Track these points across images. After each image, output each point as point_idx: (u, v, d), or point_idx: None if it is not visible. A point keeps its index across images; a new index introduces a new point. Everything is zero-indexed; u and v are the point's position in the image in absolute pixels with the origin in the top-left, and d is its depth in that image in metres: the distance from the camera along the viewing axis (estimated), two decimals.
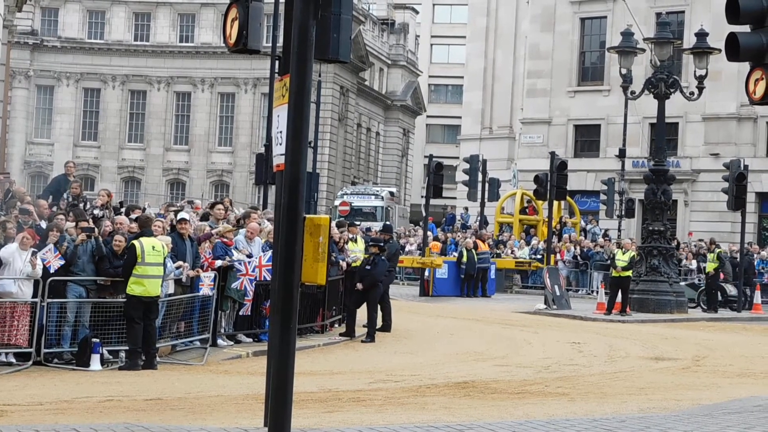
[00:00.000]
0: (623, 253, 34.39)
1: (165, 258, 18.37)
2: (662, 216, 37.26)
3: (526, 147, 65.43)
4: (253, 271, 21.11)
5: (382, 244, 25.63)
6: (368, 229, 45.54)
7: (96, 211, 23.16)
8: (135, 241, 18.19)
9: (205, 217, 24.13)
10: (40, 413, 13.33)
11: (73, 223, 19.36)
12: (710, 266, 40.92)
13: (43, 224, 19.98)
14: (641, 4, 59.21)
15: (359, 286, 24.27)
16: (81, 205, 23.72)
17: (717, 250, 41.83)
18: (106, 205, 24.05)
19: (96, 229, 19.20)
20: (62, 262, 18.17)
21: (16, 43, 61.80)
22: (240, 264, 21.01)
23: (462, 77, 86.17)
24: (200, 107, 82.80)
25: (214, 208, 23.54)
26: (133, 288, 17.95)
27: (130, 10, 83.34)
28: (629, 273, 34.50)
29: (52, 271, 17.94)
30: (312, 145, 44.47)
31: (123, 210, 24.61)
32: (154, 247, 18.11)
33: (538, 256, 46.84)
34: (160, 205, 30.20)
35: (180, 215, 21.36)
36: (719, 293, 40.21)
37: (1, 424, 12.04)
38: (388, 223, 44.96)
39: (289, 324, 10.39)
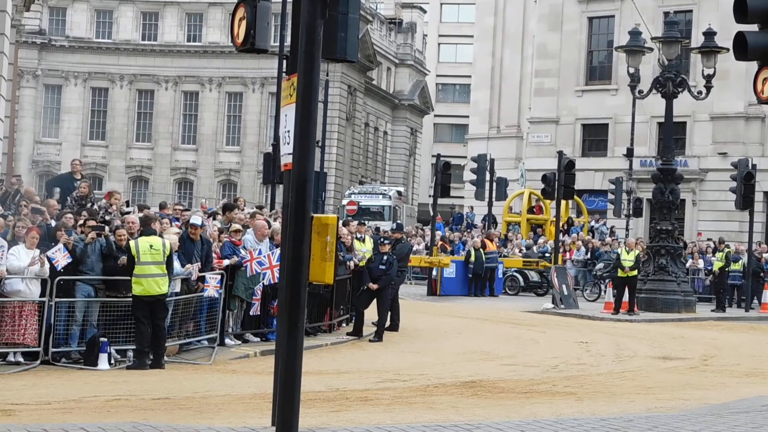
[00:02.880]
0: (628, 253, 34.39)
1: (168, 257, 18.30)
2: (670, 215, 37.23)
3: (533, 146, 65.41)
4: (259, 254, 21.05)
5: (392, 242, 25.60)
6: (377, 229, 45.52)
7: (108, 210, 23.16)
8: (131, 241, 18.24)
9: (211, 216, 24.12)
10: (48, 412, 13.34)
11: (82, 222, 19.38)
12: (717, 265, 40.86)
13: (53, 224, 20.01)
14: (649, 3, 59.12)
15: (372, 286, 24.13)
16: (89, 205, 23.74)
17: (726, 250, 41.78)
18: (116, 207, 24.04)
19: (106, 228, 19.23)
20: (70, 260, 18.19)
21: (24, 42, 61.86)
22: (246, 253, 20.98)
23: (469, 76, 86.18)
24: (208, 106, 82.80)
25: (231, 213, 23.40)
26: (135, 288, 18.00)
27: (138, 10, 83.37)
28: (636, 272, 34.49)
29: (59, 268, 17.94)
30: (320, 144, 44.44)
31: (132, 209, 24.58)
32: (152, 246, 18.08)
33: (547, 255, 46.80)
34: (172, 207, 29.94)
35: (192, 220, 21.20)
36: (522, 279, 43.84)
37: (9, 423, 12.05)
38: (400, 222, 44.93)
39: (297, 323, 10.38)
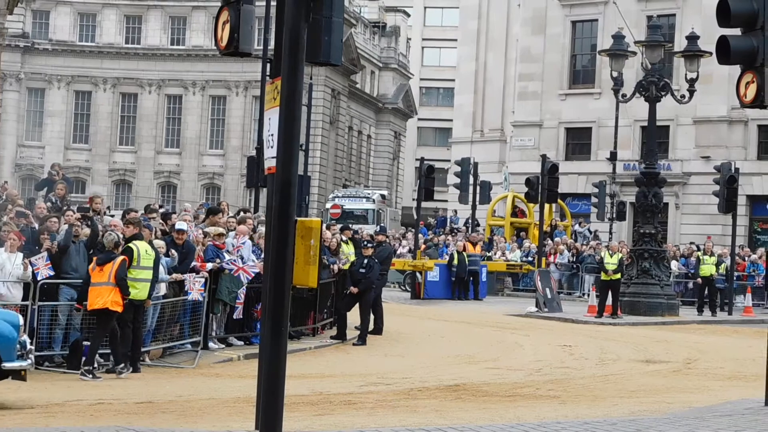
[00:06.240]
0: (611, 256, 34.44)
1: (157, 262, 18.28)
2: (653, 219, 37.29)
3: (517, 150, 65.44)
4: (243, 262, 21.06)
5: (374, 244, 25.60)
6: (355, 231, 45.40)
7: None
8: (131, 245, 18.07)
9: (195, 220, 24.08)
10: (31, 416, 13.31)
11: (66, 226, 19.34)
12: (708, 269, 40.60)
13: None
14: (632, 7, 59.27)
15: (353, 289, 24.18)
16: (65, 208, 23.67)
17: (717, 255, 41.73)
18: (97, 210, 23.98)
19: (92, 213, 19.24)
20: (52, 272, 18.07)
21: (7, 45, 61.65)
22: (232, 264, 20.96)
23: (453, 80, 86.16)
24: (191, 110, 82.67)
25: (215, 217, 23.39)
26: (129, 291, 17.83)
27: (121, 13, 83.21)
28: (619, 275, 34.53)
29: (39, 278, 17.82)
30: (303, 147, 44.40)
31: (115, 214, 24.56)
32: (147, 251, 18.08)
33: (529, 258, 46.85)
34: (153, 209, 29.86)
35: (178, 225, 21.15)
36: None
37: None
38: (383, 225, 44.88)
39: (281, 327, 10.38)
